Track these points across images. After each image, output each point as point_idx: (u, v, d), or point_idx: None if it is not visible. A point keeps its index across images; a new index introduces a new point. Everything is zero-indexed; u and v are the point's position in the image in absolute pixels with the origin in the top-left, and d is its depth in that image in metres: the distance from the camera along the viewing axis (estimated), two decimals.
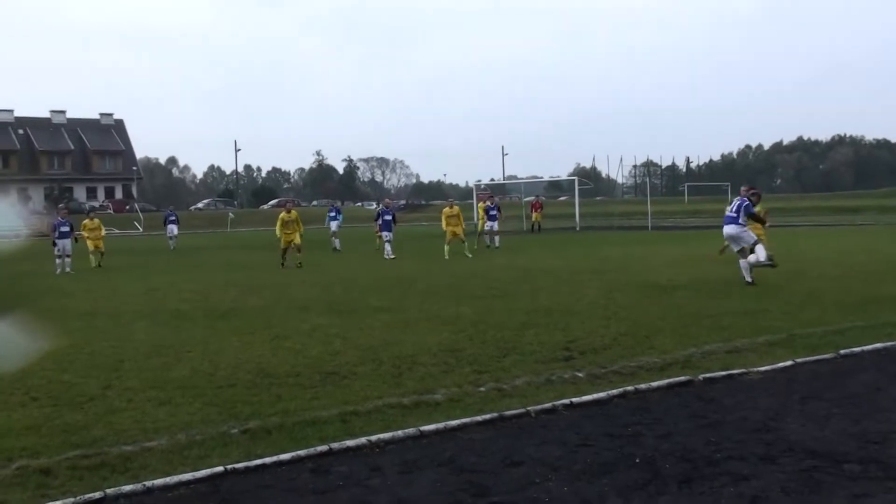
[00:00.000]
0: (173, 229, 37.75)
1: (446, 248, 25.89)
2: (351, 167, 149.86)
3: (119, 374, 8.79)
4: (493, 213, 30.89)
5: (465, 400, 7.26)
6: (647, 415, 6.68)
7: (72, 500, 4.98)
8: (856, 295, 13.32)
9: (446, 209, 27.07)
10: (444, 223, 26.59)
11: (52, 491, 5.21)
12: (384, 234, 26.85)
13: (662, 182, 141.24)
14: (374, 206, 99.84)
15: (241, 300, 15.45)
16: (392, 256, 25.74)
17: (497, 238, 30.63)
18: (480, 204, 28.97)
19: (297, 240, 24.07)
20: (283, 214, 24.42)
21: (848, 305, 12.19)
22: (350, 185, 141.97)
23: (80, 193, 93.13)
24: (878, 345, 9.09)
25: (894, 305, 12.07)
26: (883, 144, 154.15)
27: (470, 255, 25.39)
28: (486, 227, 30.87)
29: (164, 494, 5.12)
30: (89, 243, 26.94)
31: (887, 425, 6.13)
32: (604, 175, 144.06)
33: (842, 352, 8.79)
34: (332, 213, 33.59)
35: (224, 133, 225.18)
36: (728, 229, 15.70)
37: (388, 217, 27.08)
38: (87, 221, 27.94)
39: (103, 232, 28.29)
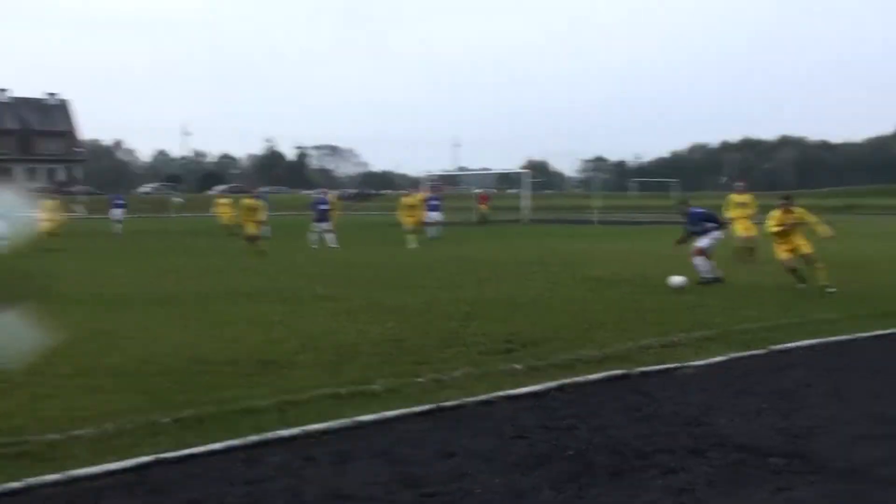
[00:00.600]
0: (118, 213, 36.90)
1: (409, 237, 25.91)
2: (301, 155, 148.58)
3: (48, 359, 8.58)
4: (434, 203, 30.99)
5: (404, 391, 7.24)
6: (582, 407, 6.74)
7: None
8: (790, 291, 13.60)
9: (407, 199, 27.18)
10: (402, 213, 26.72)
11: None
12: (319, 224, 26.57)
13: (611, 177, 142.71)
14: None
15: (182, 286, 15.21)
16: (334, 245, 25.58)
17: (438, 229, 30.65)
18: (419, 195, 28.84)
19: (251, 228, 23.92)
20: (242, 201, 25.29)
21: (783, 302, 12.46)
22: (300, 172, 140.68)
23: (18, 174, 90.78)
24: (809, 341, 9.30)
25: (827, 303, 12.37)
26: (825, 145, 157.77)
27: (415, 246, 25.37)
28: (427, 218, 30.91)
29: (90, 484, 5.01)
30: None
31: (813, 420, 6.28)
32: (553, 169, 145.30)
33: (774, 348, 8.97)
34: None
35: (173, 118, 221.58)
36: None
37: (324, 207, 26.87)
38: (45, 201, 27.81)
39: (54, 215, 27.78)
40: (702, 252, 14.97)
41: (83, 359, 8.60)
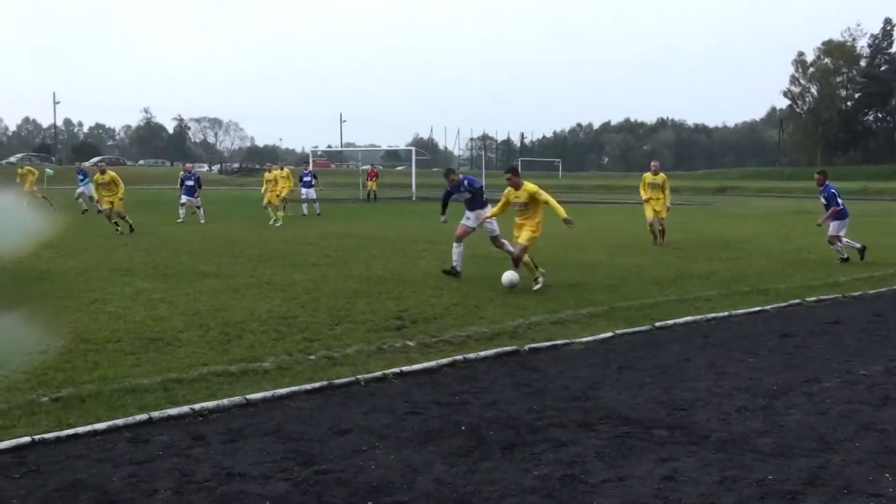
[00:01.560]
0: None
1: (270, 213, 25.54)
2: (181, 127, 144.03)
3: None
4: (307, 179, 30.67)
5: (295, 368, 7.17)
6: (474, 383, 6.83)
7: None
8: (672, 270, 14.15)
9: (268, 174, 26.67)
10: (264, 188, 26.29)
11: None
12: (185, 198, 26.19)
13: (497, 156, 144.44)
14: (206, 168, 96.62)
15: (58, 262, 14.55)
16: (202, 221, 25.09)
17: (317, 205, 30.25)
18: (281, 171, 27.71)
19: (116, 204, 21.33)
20: (97, 176, 21.95)
21: (664, 280, 12.94)
22: (181, 145, 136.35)
23: None
24: (689, 318, 9.70)
25: (705, 280, 12.92)
26: (702, 129, 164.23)
27: (279, 224, 24.66)
28: (302, 195, 30.52)
29: None
30: None
31: (693, 393, 6.56)
32: (441, 146, 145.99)
33: (657, 324, 9.32)
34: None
35: (42, 86, 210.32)
36: None
37: (191, 182, 26.39)
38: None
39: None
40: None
41: None
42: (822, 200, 16.27)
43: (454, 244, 13.24)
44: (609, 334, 8.76)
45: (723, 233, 23.08)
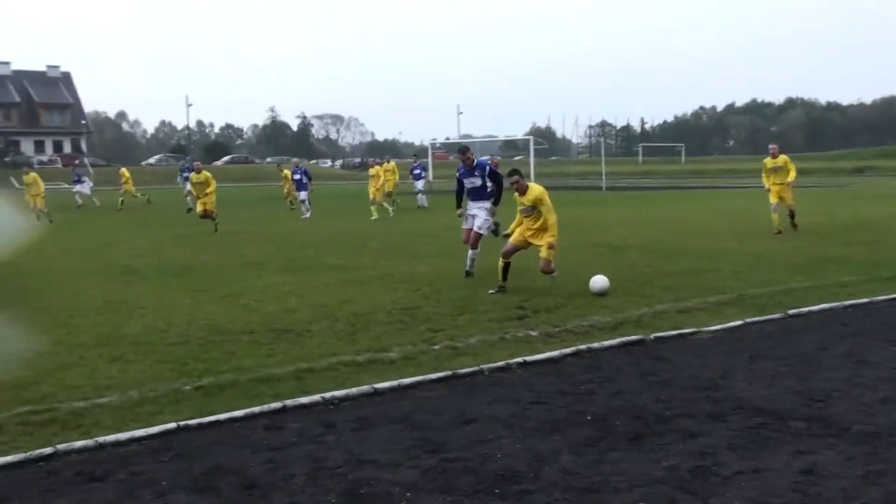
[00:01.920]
0: (79, 187, 36.11)
1: (372, 208, 25.54)
2: (305, 124, 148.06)
3: (69, 329, 8.66)
4: (416, 172, 30.98)
5: (420, 358, 7.29)
6: (598, 373, 6.77)
7: (22, 455, 4.92)
8: (804, 255, 13.59)
9: (372, 170, 26.95)
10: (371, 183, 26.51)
11: (1, 446, 5.14)
12: (299, 194, 26.94)
13: (617, 142, 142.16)
14: (329, 164, 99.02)
15: (194, 257, 15.27)
16: (306, 216, 25.51)
17: (424, 198, 30.39)
18: (388, 164, 28.00)
19: (208, 204, 21.24)
20: (192, 175, 22.18)
21: (796, 266, 12.44)
22: (304, 142, 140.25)
23: (27, 147, 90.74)
24: (824, 305, 9.30)
25: (840, 266, 12.34)
26: (834, 107, 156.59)
27: (375, 217, 24.79)
28: (416, 188, 30.86)
29: (116, 450, 5.09)
30: (29, 200, 25.95)
31: (831, 384, 6.29)
32: (559, 135, 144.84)
33: (789, 311, 8.98)
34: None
35: (176, 88, 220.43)
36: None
37: (297, 177, 27.11)
38: (24, 177, 26.95)
39: (42, 188, 26.83)
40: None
41: (102, 329, 8.68)
42: None
43: (470, 250, 12.04)
44: (739, 322, 8.50)
45: (861, 215, 21.95)
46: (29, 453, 4.95)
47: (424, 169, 32.03)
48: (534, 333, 8.19)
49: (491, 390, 6.35)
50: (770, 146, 18.42)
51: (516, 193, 10.99)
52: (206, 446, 5.16)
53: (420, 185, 30.78)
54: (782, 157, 17.81)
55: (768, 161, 17.95)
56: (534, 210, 10.86)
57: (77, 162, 42.90)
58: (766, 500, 4.17)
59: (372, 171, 26.84)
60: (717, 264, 12.77)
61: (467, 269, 12.05)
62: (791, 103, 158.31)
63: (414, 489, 4.43)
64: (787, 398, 5.96)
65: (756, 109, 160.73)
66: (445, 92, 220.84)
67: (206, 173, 21.79)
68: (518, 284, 11.11)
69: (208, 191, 21.23)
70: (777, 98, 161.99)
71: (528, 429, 5.41)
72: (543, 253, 10.80)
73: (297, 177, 27.19)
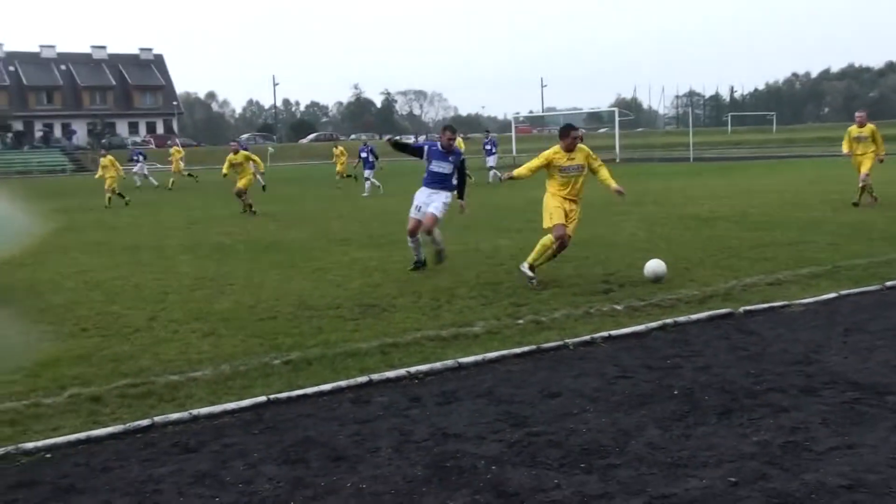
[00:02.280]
0: (138, 167, 36.77)
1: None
2: (389, 100, 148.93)
3: (164, 305, 8.98)
4: (488, 147, 30.78)
5: (504, 332, 7.30)
6: (685, 347, 6.66)
7: (122, 427, 5.14)
8: None
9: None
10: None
11: (102, 418, 5.38)
12: (366, 171, 27.21)
13: (705, 112, 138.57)
14: (413, 139, 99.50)
15: (282, 234, 15.59)
16: (365, 195, 25.63)
17: (496, 172, 30.03)
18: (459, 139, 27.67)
19: (242, 182, 20.88)
20: (230, 156, 21.53)
21: (894, 237, 11.94)
22: (388, 118, 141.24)
23: (122, 129, 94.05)
24: None
25: None
26: None
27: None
28: (487, 164, 30.70)
29: (210, 422, 5.26)
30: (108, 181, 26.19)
31: None
32: (645, 106, 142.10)
33: (887, 283, 8.64)
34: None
35: (262, 67, 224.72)
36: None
37: (364, 155, 27.39)
38: (101, 159, 27.26)
39: (118, 171, 26.90)
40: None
41: (195, 305, 8.96)
42: None
43: (408, 238, 10.85)
44: (833, 295, 8.23)
45: None
46: (128, 425, 5.17)
47: (495, 144, 31.76)
48: (619, 307, 8.10)
49: (576, 364, 6.31)
50: (857, 114, 17.52)
51: (556, 150, 9.61)
52: (294, 419, 5.29)
53: (491, 160, 30.59)
54: (869, 127, 16.85)
55: (854, 129, 17.04)
56: (582, 169, 9.64)
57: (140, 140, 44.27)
58: (862, 477, 4.04)
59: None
60: (811, 236, 12.37)
61: (419, 259, 10.75)
62: (892, 67, 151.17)
63: (499, 462, 4.45)
64: (884, 372, 5.75)
65: (853, 74, 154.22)
66: (529, 64, 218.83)
67: (244, 153, 21.48)
68: (604, 258, 10.99)
69: (249, 171, 21.12)
70: (876, 62, 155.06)
71: (614, 403, 5.37)
72: (572, 229, 9.61)
73: (363, 155, 27.48)
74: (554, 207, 9.52)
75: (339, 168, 30.87)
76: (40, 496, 4.27)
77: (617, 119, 56.26)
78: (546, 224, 9.52)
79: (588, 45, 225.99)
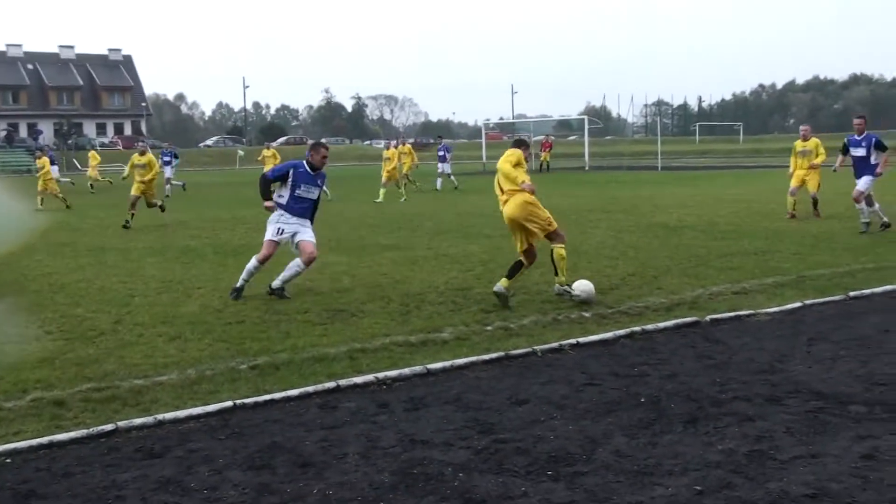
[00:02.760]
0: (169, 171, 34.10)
1: (382, 190, 24.81)
2: (359, 105, 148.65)
3: (129, 309, 8.87)
4: (441, 154, 30.86)
5: (472, 339, 7.30)
6: (653, 355, 6.70)
7: (85, 431, 5.06)
8: (867, 237, 13.25)
9: (386, 152, 26.54)
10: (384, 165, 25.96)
11: (65, 422, 5.30)
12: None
13: (673, 122, 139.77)
14: (381, 144, 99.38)
15: (251, 237, 15.44)
16: (329, 199, 25.30)
17: (451, 178, 30.25)
18: (404, 147, 27.61)
19: (148, 190, 18.90)
20: (135, 157, 19.33)
21: (858, 247, 12.14)
22: (359, 122, 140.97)
23: (89, 129, 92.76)
24: (888, 287, 9.06)
25: None
26: None
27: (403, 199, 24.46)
28: (438, 169, 30.71)
29: (175, 427, 5.20)
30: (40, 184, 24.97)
31: (894, 368, 6.13)
32: (614, 114, 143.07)
33: (851, 293, 8.77)
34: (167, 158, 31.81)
35: (232, 69, 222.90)
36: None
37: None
38: (37, 161, 26.11)
39: (50, 174, 25.55)
40: None
41: (161, 308, 8.87)
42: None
43: (256, 262, 9.47)
44: (798, 304, 8.34)
45: None
46: (91, 429, 5.09)
47: (449, 150, 31.70)
48: (587, 315, 8.14)
49: (544, 371, 6.33)
50: (801, 128, 17.72)
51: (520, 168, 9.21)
52: (261, 424, 5.25)
53: (445, 167, 30.55)
54: (813, 141, 16.96)
55: (798, 143, 17.08)
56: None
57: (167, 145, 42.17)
58: (825, 486, 4.09)
59: (387, 154, 26.33)
60: (776, 245, 12.52)
61: (241, 287, 9.35)
62: (855, 80, 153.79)
63: (466, 469, 4.45)
64: (848, 382, 5.83)
65: (818, 86, 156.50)
66: (500, 71, 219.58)
67: (150, 156, 19.42)
68: (570, 265, 11.02)
69: (148, 176, 18.85)
70: (840, 75, 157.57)
71: (581, 410, 5.39)
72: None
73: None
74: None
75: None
76: (0, 501, 4.19)
77: (587, 127, 56.56)
78: (554, 224, 9.08)
79: (558, 52, 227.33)
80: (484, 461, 4.56)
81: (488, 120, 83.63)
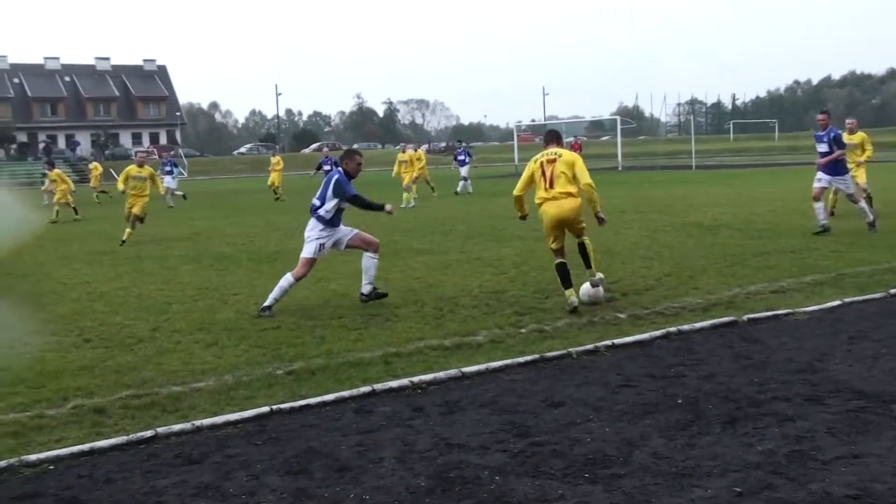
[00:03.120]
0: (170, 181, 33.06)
1: (405, 195, 24.89)
2: (391, 110, 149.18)
3: (167, 316, 8.97)
4: (460, 158, 30.73)
5: (507, 341, 7.28)
6: (690, 356, 6.64)
7: (125, 438, 5.13)
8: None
9: (402, 155, 26.46)
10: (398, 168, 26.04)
11: (105, 429, 5.37)
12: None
13: (707, 120, 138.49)
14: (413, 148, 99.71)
15: (285, 244, 15.57)
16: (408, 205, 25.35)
17: (468, 183, 29.96)
18: (410, 153, 26.87)
19: (138, 207, 17.38)
20: (131, 168, 17.97)
21: None
22: (391, 127, 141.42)
23: (125, 139, 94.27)
24: None
25: None
26: None
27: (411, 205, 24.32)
28: (460, 174, 30.57)
29: (213, 433, 5.25)
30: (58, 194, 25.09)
31: None
32: (647, 114, 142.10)
33: (891, 291, 8.62)
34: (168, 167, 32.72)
35: (265, 77, 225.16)
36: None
37: (328, 167, 27.18)
38: (49, 173, 26.22)
39: (67, 185, 25.73)
40: None
41: (198, 315, 8.96)
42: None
43: (292, 280, 9.02)
44: (837, 303, 8.21)
45: None
46: (131, 436, 5.16)
47: (469, 155, 31.59)
48: (622, 316, 8.08)
49: (579, 373, 6.29)
50: (847, 121, 16.98)
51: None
52: (297, 429, 5.28)
53: (464, 171, 30.47)
54: (860, 135, 16.29)
55: (843, 136, 15.90)
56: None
57: (172, 152, 42.66)
58: (869, 486, 4.02)
59: (403, 157, 26.36)
60: (814, 243, 12.35)
61: (266, 306, 8.84)
62: (893, 74, 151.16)
63: (502, 472, 4.44)
64: (889, 381, 5.73)
65: (854, 82, 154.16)
66: (531, 73, 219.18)
67: (150, 169, 18.29)
68: (605, 266, 10.96)
69: (145, 193, 17.65)
70: (877, 69, 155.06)
71: (618, 412, 5.35)
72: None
73: (326, 167, 27.26)
74: None
75: (274, 178, 31.35)
76: None
77: (619, 127, 56.23)
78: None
79: (590, 53, 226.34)
80: (520, 464, 4.54)
81: (520, 122, 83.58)
